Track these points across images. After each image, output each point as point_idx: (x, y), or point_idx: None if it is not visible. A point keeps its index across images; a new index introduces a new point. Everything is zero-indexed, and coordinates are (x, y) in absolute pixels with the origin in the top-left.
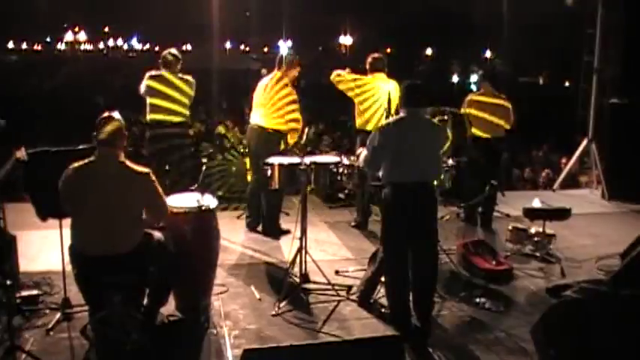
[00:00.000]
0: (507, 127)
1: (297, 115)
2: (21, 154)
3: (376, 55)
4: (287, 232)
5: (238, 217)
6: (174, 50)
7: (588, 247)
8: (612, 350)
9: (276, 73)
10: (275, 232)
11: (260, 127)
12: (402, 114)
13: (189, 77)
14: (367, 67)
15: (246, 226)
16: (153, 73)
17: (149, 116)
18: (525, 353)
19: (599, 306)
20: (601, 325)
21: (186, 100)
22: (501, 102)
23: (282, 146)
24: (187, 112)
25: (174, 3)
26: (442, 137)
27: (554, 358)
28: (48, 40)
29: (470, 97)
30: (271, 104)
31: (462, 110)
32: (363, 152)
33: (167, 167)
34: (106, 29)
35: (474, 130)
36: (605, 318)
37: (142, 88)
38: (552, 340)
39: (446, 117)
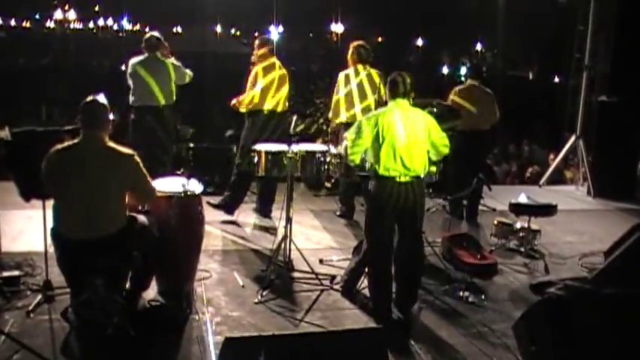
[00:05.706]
0: (493, 121)
1: None
2: (4, 133)
3: (361, 42)
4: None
5: None
6: (156, 33)
7: (573, 244)
8: (594, 349)
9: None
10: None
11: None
12: (389, 105)
13: (172, 60)
14: (350, 56)
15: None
16: (136, 58)
17: (132, 101)
18: (507, 348)
19: (582, 304)
20: (583, 323)
21: (169, 84)
22: (487, 96)
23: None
24: (170, 96)
25: None
26: (430, 125)
27: (536, 355)
28: (37, 17)
29: (455, 89)
30: None
31: (449, 101)
32: (344, 142)
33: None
34: (97, 8)
35: (461, 123)
36: (588, 316)
37: (128, 73)
38: (534, 337)
39: (435, 109)
